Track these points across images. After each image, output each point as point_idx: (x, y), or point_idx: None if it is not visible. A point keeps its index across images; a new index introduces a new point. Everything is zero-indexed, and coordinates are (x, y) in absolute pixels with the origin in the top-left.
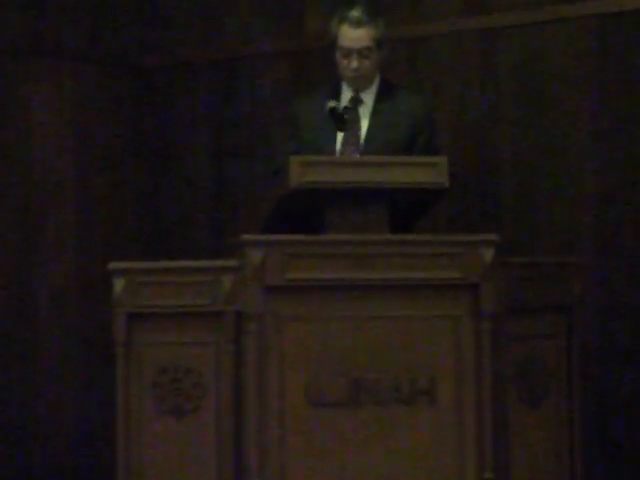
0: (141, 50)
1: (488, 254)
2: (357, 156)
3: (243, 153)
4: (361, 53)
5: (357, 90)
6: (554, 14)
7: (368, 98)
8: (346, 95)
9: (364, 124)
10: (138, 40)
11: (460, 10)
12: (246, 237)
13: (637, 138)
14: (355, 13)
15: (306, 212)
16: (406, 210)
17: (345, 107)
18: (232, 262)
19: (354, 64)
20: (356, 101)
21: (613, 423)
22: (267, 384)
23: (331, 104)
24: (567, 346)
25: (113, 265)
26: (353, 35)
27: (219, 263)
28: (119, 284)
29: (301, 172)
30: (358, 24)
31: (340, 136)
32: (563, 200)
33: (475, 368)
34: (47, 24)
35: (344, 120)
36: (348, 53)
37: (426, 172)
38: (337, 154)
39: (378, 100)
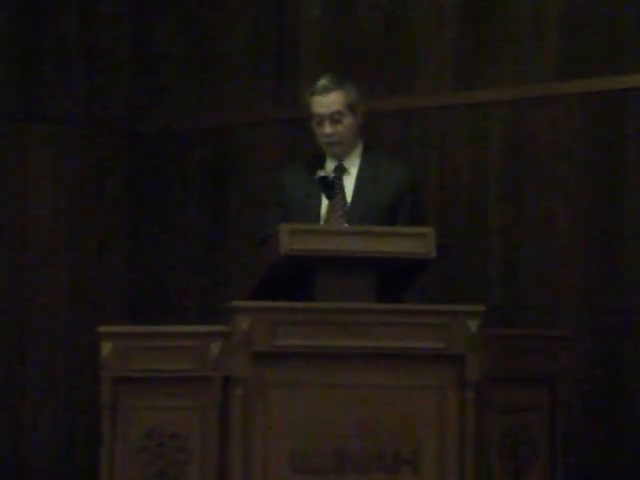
0: (135, 116)
1: (474, 325)
2: (345, 224)
3: (235, 219)
4: (332, 118)
5: (340, 159)
6: (542, 91)
7: (352, 165)
8: (329, 165)
9: (348, 191)
10: (132, 106)
11: (450, 85)
12: (236, 303)
13: (624, 212)
14: (322, 81)
15: (294, 279)
16: (394, 279)
17: (335, 177)
18: (220, 327)
19: (327, 130)
20: (341, 170)
21: None
22: (252, 450)
23: (321, 173)
24: (551, 417)
25: (102, 329)
26: (323, 102)
27: (207, 328)
28: (106, 348)
29: (291, 240)
30: (326, 90)
31: (325, 203)
32: (549, 272)
33: (459, 438)
34: (42, 90)
35: (334, 188)
36: (321, 120)
37: (414, 243)
38: (323, 221)
39: (362, 167)
